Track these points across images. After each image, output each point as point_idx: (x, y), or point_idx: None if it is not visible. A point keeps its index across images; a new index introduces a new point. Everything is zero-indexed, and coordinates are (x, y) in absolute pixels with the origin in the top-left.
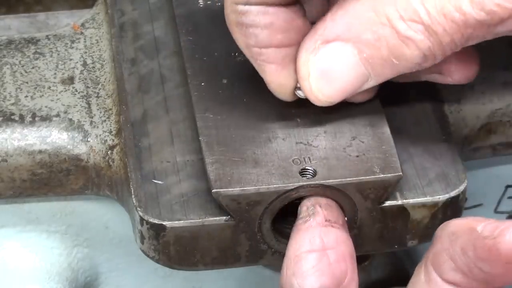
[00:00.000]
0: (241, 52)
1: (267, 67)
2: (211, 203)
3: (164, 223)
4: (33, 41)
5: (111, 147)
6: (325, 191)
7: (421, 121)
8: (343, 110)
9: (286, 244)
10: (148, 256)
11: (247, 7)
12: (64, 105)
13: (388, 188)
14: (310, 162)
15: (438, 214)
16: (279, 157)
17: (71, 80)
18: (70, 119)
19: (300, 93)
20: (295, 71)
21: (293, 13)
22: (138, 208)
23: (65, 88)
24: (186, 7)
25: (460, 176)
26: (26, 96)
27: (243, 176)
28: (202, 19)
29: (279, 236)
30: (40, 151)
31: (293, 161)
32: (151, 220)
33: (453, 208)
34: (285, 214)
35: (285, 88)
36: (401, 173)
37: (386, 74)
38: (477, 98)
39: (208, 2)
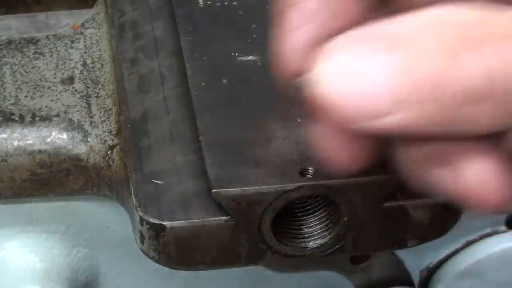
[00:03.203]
0: (241, 52)
1: None
2: (211, 203)
3: (164, 223)
4: (33, 41)
5: (111, 147)
6: (326, 191)
7: None
8: None
9: (286, 244)
10: (148, 256)
11: None
12: (64, 105)
13: (388, 188)
14: (310, 162)
15: (438, 214)
16: (279, 157)
17: (71, 80)
18: (70, 119)
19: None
20: None
21: None
22: (138, 208)
23: (65, 88)
24: (186, 7)
25: None
26: (26, 96)
27: (243, 176)
28: (202, 19)
29: (279, 236)
30: (40, 151)
31: (293, 161)
32: (151, 220)
33: (453, 208)
34: (285, 214)
35: None
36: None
37: None
38: None
39: (208, 2)
